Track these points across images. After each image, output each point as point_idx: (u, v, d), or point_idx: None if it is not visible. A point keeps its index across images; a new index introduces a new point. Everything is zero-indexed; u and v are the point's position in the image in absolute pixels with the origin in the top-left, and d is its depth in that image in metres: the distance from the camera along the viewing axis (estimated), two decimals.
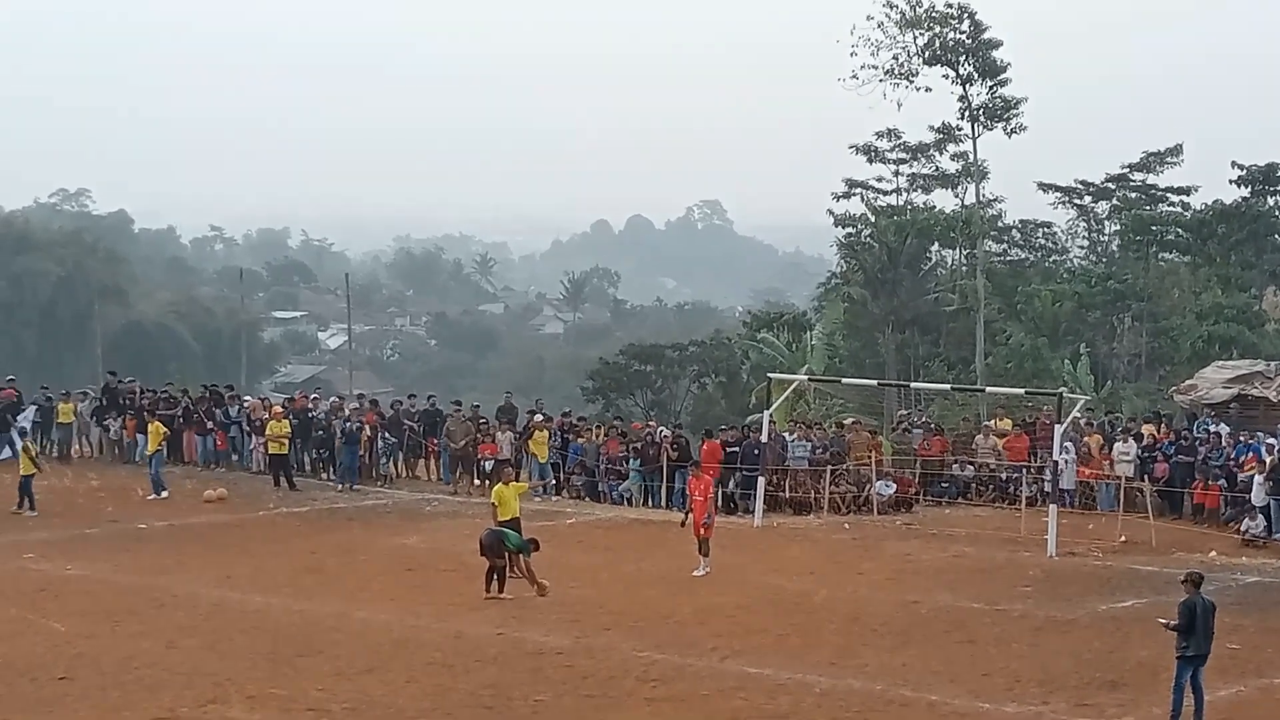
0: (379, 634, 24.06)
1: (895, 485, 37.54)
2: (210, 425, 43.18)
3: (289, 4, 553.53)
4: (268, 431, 40.47)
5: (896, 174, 75.89)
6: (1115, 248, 74.61)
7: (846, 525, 35.15)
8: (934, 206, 73.63)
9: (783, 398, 41.81)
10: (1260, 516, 32.90)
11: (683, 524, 30.13)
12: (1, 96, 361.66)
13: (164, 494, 38.04)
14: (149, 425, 39.73)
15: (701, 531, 29.33)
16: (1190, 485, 35.43)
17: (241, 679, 21.26)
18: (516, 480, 32.45)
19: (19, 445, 37.49)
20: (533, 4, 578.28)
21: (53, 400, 44.84)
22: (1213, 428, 36.76)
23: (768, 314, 76.94)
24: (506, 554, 26.70)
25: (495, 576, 26.79)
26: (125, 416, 43.94)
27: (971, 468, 38.46)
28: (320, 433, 41.70)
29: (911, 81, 65.79)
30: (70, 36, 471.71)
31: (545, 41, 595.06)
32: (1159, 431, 37.63)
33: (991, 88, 66.26)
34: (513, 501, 28.28)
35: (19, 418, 42.50)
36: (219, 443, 43.29)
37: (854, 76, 65.56)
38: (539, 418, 40.76)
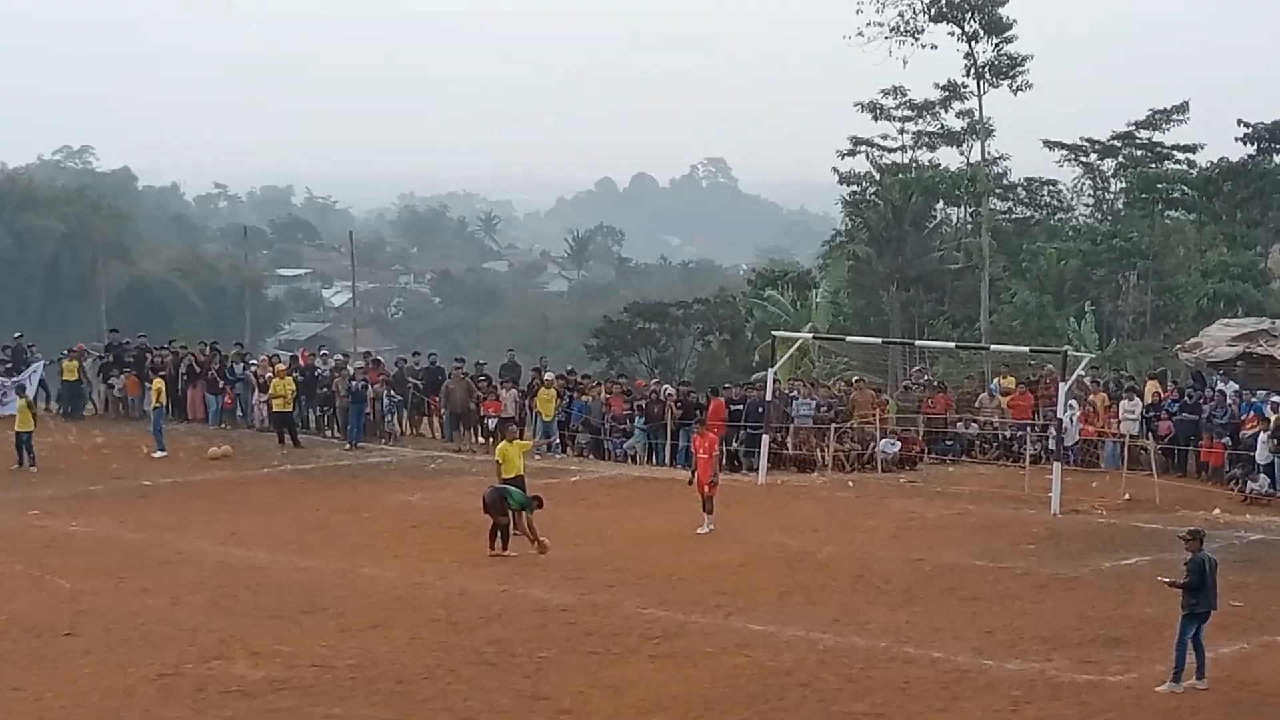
0: (383, 591, 24.12)
1: (900, 444, 37.52)
2: (222, 384, 43.17)
3: None
4: (271, 389, 40.49)
5: (902, 131, 75.63)
6: (1120, 205, 74.37)
7: (850, 483, 35.15)
8: (939, 164, 73.36)
9: (787, 355, 41.81)
10: (1264, 475, 32.88)
11: (689, 482, 30.17)
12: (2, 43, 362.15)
13: (159, 454, 38.03)
14: (152, 382, 39.77)
15: (705, 489, 29.35)
16: (1195, 443, 35.42)
17: (246, 635, 21.33)
18: (521, 438, 32.41)
19: (17, 401, 37.49)
20: None
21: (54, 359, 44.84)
22: (1219, 385, 36.69)
23: (772, 272, 76.82)
24: (509, 511, 26.72)
25: (499, 534, 26.82)
26: (127, 373, 43.95)
27: (976, 425, 38.44)
28: (325, 390, 41.71)
29: (917, 38, 65.76)
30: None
31: None
32: (1163, 389, 37.58)
33: (997, 44, 66.14)
34: (517, 459, 28.32)
35: (22, 375, 42.55)
36: (228, 400, 43.28)
37: (860, 34, 65.60)
38: (548, 375, 40.72)
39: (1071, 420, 35.17)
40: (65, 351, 45.18)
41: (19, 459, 36.00)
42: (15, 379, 41.71)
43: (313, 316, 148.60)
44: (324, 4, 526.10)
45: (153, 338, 49.88)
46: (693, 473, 30.20)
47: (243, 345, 48.81)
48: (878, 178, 71.73)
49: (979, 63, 66.36)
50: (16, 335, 46.67)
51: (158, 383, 39.66)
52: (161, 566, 25.99)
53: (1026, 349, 43.96)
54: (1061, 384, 33.19)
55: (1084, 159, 76.80)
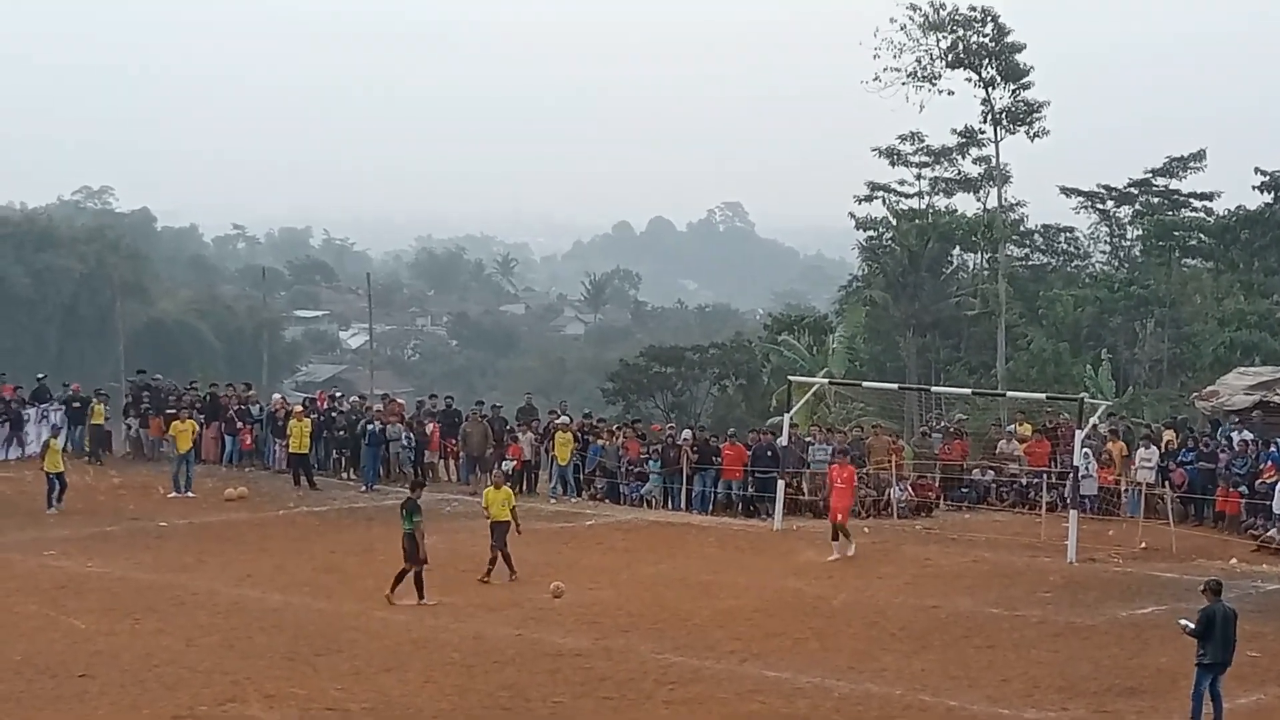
0: (398, 634, 24.10)
1: (908, 490, 37.52)
2: (240, 425, 43.22)
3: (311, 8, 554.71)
4: (289, 431, 40.54)
5: (919, 177, 75.81)
6: (1137, 253, 74.42)
7: (866, 529, 35.06)
8: (956, 210, 73.51)
9: (803, 401, 41.78)
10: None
11: (824, 507, 33.06)
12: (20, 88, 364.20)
13: (174, 494, 38.10)
14: (175, 424, 39.41)
15: (839, 517, 31.00)
16: (1212, 492, 35.32)
17: (260, 677, 21.31)
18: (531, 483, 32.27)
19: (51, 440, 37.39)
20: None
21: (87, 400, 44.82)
22: (1236, 435, 36.61)
23: (788, 317, 76.80)
24: (420, 554, 26.37)
25: (413, 581, 26.41)
26: (148, 415, 43.97)
27: (992, 472, 38.38)
28: (341, 432, 41.76)
29: (934, 84, 65.98)
30: (92, 36, 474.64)
31: (568, 39, 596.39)
32: (1176, 439, 37.51)
33: (1014, 91, 66.31)
34: (499, 507, 28.25)
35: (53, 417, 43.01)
36: (246, 442, 43.27)
37: (876, 79, 65.82)
38: (563, 419, 40.79)
39: (1089, 468, 35.10)
40: (94, 394, 45.27)
41: (49, 500, 35.83)
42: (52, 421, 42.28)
43: (330, 358, 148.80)
44: (341, 53, 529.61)
45: (170, 378, 50.00)
46: (826, 500, 32.43)
47: (250, 385, 48.76)
48: (894, 223, 71.82)
49: (996, 109, 66.53)
50: (40, 376, 46.93)
51: (189, 425, 39.40)
52: (176, 607, 25.99)
53: (1043, 396, 43.90)
54: (1078, 431, 33.15)
55: (1101, 206, 76.91)
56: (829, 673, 22.00)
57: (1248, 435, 36.43)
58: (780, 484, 35.71)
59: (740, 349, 76.79)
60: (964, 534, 34.32)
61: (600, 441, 40.25)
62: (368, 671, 21.78)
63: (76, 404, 44.42)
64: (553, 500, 39.00)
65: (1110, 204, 76.63)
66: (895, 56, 65.56)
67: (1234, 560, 31.32)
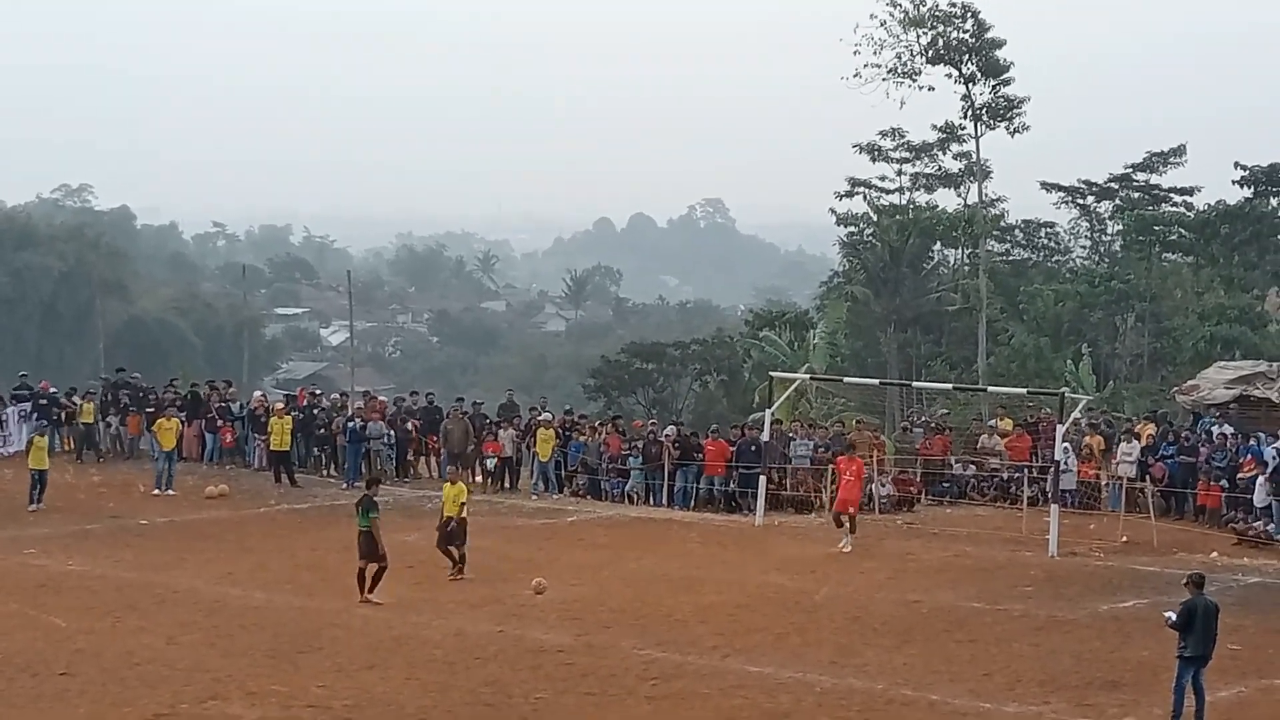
0: (380, 631, 24.06)
1: (890, 485, 37.56)
2: (220, 423, 43.12)
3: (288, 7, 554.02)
4: (270, 428, 40.47)
5: (899, 173, 75.79)
6: (1118, 248, 74.51)
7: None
8: (936, 206, 73.47)
9: (784, 396, 41.80)
10: (1264, 518, 32.83)
11: (829, 502, 32.95)
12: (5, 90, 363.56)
13: (157, 491, 38.05)
14: (159, 422, 39.33)
15: (850, 510, 31.49)
16: (1193, 485, 35.40)
17: (242, 675, 21.25)
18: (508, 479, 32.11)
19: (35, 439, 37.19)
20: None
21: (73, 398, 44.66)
22: (1216, 429, 36.70)
23: (770, 313, 76.81)
24: (379, 550, 26.34)
25: (372, 578, 26.37)
26: (127, 413, 43.85)
27: (974, 467, 38.43)
28: (322, 429, 41.69)
29: (914, 80, 65.96)
30: (71, 35, 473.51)
31: (549, 38, 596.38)
32: (1157, 432, 37.58)
33: (994, 87, 66.36)
34: (449, 502, 28.21)
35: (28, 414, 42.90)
36: (227, 440, 43.18)
37: (857, 75, 65.74)
38: (544, 415, 40.79)
39: (1069, 463, 35.16)
40: (73, 389, 45.15)
41: (32, 499, 35.67)
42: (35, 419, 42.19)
43: (310, 356, 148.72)
44: (320, 50, 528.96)
45: (150, 376, 49.79)
46: (833, 494, 32.32)
47: (231, 383, 48.57)
48: (875, 219, 71.76)
49: (976, 105, 66.60)
50: (21, 374, 46.73)
51: (173, 423, 39.31)
52: (158, 605, 25.91)
53: (1024, 391, 43.98)
54: (1059, 426, 33.21)
55: (1081, 201, 77.04)
56: (811, 668, 22.01)
57: (1228, 429, 36.54)
58: (762, 480, 35.71)
59: (721, 345, 76.90)
60: (945, 528, 34.36)
61: (582, 438, 40.23)
62: (350, 669, 21.74)
63: (44, 401, 44.18)
64: (534, 497, 38.99)
65: (1090, 199, 76.78)
66: (875, 53, 65.55)
67: (1215, 554, 31.40)
